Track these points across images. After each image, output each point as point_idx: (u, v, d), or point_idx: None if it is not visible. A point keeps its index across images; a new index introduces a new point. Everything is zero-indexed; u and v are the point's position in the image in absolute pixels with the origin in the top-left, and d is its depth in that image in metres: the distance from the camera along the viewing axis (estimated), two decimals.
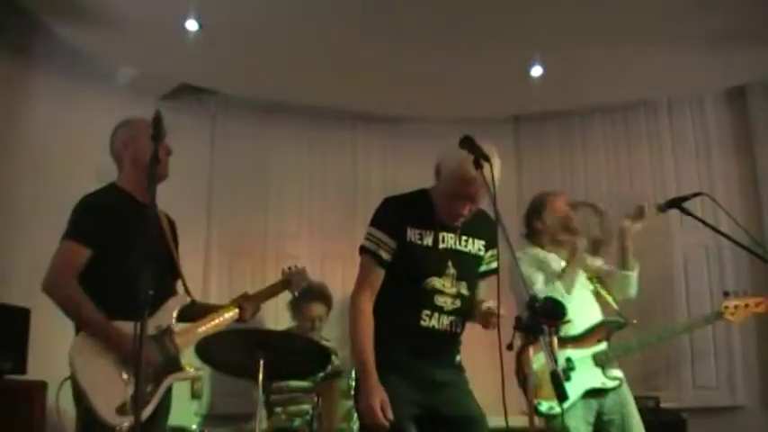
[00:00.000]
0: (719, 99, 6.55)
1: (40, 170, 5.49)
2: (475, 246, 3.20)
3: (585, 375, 4.06)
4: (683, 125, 6.60)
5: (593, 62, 5.87)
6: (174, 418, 3.64)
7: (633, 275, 4.22)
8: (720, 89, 6.51)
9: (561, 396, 2.38)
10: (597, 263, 4.33)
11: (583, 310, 4.18)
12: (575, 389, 4.04)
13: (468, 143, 2.96)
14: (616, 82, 6.22)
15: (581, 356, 4.09)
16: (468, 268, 3.15)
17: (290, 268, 4.14)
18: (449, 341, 3.14)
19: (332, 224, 6.75)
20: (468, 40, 5.59)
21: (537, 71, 5.99)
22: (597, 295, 4.27)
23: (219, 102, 6.72)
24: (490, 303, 3.03)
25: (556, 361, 2.34)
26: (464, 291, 3.14)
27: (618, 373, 4.12)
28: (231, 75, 6.25)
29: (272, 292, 3.94)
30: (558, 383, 2.33)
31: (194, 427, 4.41)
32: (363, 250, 3.12)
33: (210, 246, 6.51)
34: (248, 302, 3.68)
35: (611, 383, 4.06)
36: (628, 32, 5.47)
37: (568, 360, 4.09)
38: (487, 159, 2.89)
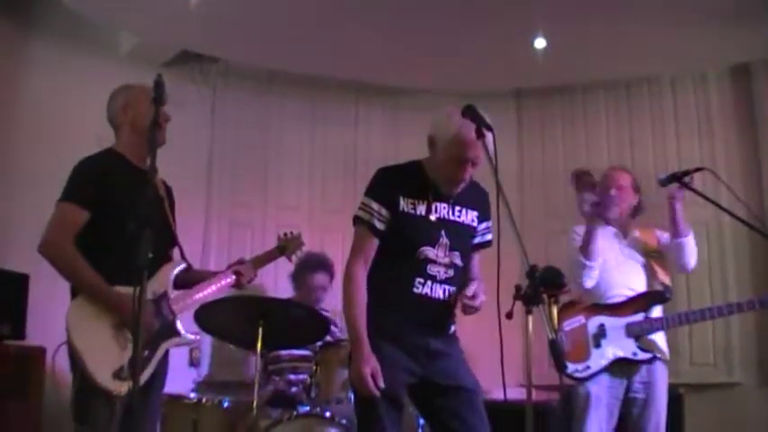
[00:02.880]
0: (723, 76, 6.50)
1: (39, 138, 5.48)
2: (468, 216, 3.20)
3: (616, 344, 4.09)
4: (686, 102, 6.57)
5: (597, 37, 5.84)
6: (171, 386, 3.65)
7: (684, 242, 4.18)
8: (724, 66, 6.47)
9: (559, 366, 2.38)
10: (663, 237, 4.32)
11: (623, 279, 4.21)
12: (603, 356, 4.07)
13: (470, 112, 2.96)
14: (619, 57, 6.18)
15: (614, 325, 4.11)
16: (461, 238, 3.15)
17: (285, 234, 4.14)
18: (442, 310, 3.12)
19: (332, 196, 6.74)
20: (470, 12, 5.55)
21: (540, 43, 5.95)
22: (649, 269, 4.27)
23: (220, 71, 6.69)
24: (471, 289, 3.05)
25: (555, 330, 2.32)
26: (457, 261, 3.14)
27: (659, 348, 4.14)
28: (232, 42, 6.22)
29: (268, 257, 3.94)
30: (556, 353, 2.33)
31: (192, 394, 4.41)
32: (357, 220, 3.12)
33: (210, 216, 6.50)
34: (244, 268, 3.68)
35: (642, 355, 4.07)
36: (632, 7, 5.43)
37: (601, 327, 4.12)
38: (490, 129, 2.90)
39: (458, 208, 3.17)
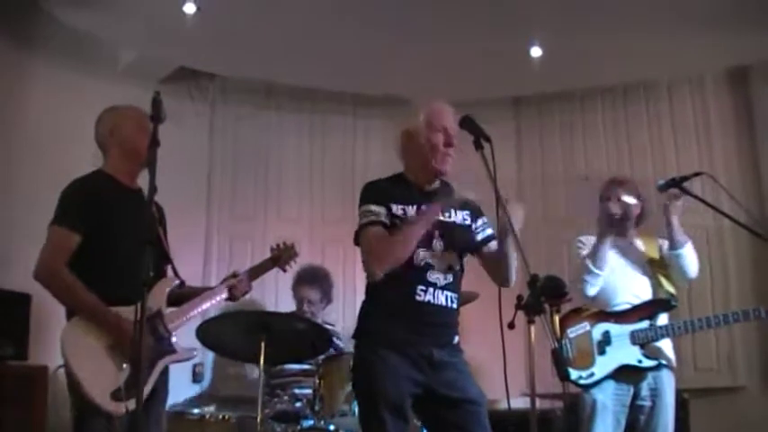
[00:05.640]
0: (720, 80, 6.50)
1: (39, 156, 5.48)
2: (459, 216, 3.21)
3: (621, 351, 4.08)
4: (684, 107, 6.56)
5: (593, 43, 5.83)
6: (175, 401, 3.65)
7: (681, 253, 4.17)
8: (721, 70, 6.47)
9: (561, 375, 2.38)
10: (665, 246, 4.33)
11: (628, 287, 4.21)
12: (608, 363, 4.07)
13: (468, 123, 2.98)
14: (616, 63, 6.18)
15: (619, 332, 4.11)
16: (454, 238, 3.15)
17: (278, 245, 4.14)
18: (446, 317, 3.12)
19: (332, 208, 6.73)
20: (467, 21, 5.56)
21: (536, 52, 5.96)
22: (653, 278, 4.28)
23: (218, 86, 6.70)
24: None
25: (557, 339, 2.32)
26: (454, 264, 3.14)
27: (665, 355, 4.14)
28: (230, 57, 6.22)
29: (262, 269, 3.94)
30: (558, 361, 2.33)
31: (195, 410, 4.40)
32: (363, 227, 3.11)
33: (210, 230, 6.50)
34: (238, 282, 3.69)
35: (647, 363, 4.07)
36: (628, 13, 5.44)
37: (606, 334, 4.12)
38: (488, 139, 2.91)
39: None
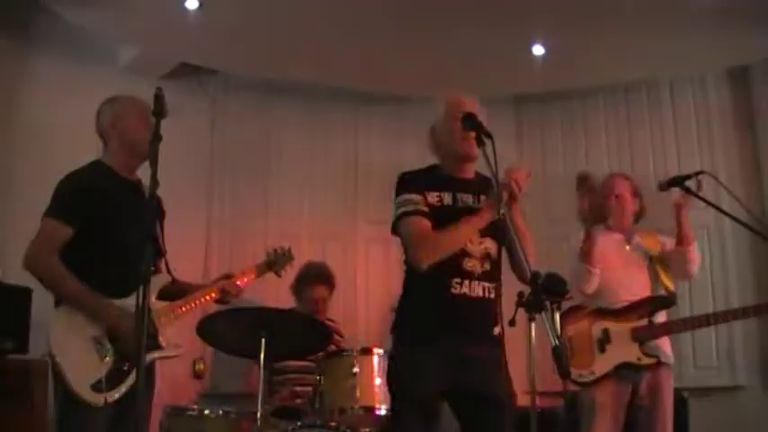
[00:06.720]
0: (721, 79, 6.52)
1: (40, 151, 5.48)
2: None
3: (620, 349, 4.08)
4: (685, 105, 6.58)
5: (594, 42, 5.85)
6: (175, 398, 3.64)
7: (690, 250, 4.19)
8: (722, 69, 6.48)
9: (563, 372, 2.38)
10: (667, 243, 4.33)
11: (628, 285, 4.21)
12: (607, 361, 4.06)
13: (470, 121, 2.98)
14: (618, 61, 6.19)
15: (618, 330, 4.11)
16: (490, 223, 3.11)
17: (275, 250, 4.13)
18: (482, 310, 3.08)
19: (333, 205, 6.74)
20: (469, 19, 5.57)
21: (538, 50, 5.96)
22: (653, 274, 4.28)
23: (220, 82, 6.70)
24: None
25: (558, 336, 2.32)
26: (491, 250, 3.11)
27: (664, 353, 4.14)
28: (231, 53, 6.23)
29: (256, 272, 3.94)
30: (559, 359, 2.32)
31: (195, 406, 4.40)
32: (403, 216, 3.11)
33: (211, 227, 6.51)
34: (230, 284, 3.68)
35: (646, 360, 4.07)
36: (630, 12, 5.44)
37: (605, 332, 4.11)
38: (490, 136, 2.91)
39: (482, 197, 3.17)
